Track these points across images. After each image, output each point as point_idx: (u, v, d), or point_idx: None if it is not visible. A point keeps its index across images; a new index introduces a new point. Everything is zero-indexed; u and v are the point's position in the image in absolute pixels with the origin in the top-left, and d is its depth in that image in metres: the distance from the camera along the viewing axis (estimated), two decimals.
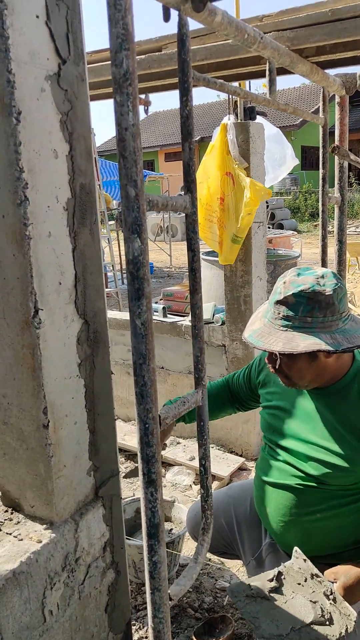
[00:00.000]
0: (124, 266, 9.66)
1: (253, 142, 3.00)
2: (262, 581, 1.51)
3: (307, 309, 1.37)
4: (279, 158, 4.82)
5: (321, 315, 1.37)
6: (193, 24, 1.05)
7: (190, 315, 3.75)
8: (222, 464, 3.14)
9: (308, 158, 26.33)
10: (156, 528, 0.90)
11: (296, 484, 1.54)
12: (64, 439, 1.39)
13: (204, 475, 1.17)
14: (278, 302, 1.41)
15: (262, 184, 3.05)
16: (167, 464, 3.23)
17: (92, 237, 1.44)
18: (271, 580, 1.50)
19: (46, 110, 1.25)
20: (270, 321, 1.44)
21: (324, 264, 1.92)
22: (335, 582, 1.41)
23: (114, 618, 1.64)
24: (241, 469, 3.18)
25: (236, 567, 2.23)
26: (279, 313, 1.41)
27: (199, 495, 2.81)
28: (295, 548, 1.47)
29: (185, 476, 3.13)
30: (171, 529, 2.24)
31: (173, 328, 3.54)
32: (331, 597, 1.39)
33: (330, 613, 1.38)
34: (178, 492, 2.95)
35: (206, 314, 3.45)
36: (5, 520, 1.43)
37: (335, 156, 2.30)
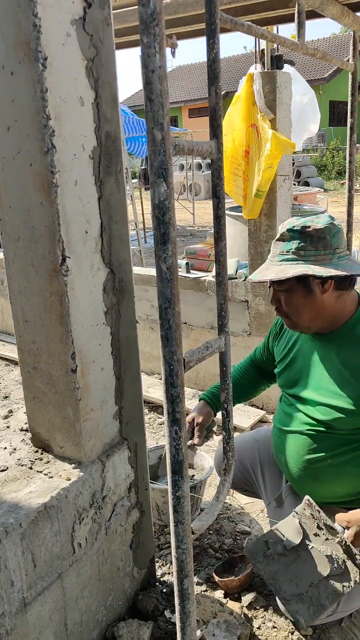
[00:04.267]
0: (147, 225, 9.62)
1: (280, 92, 2.91)
2: (280, 532, 1.55)
3: (300, 243, 1.47)
4: (305, 123, 4.63)
5: (313, 248, 1.46)
6: None
7: (213, 270, 3.75)
8: (244, 416, 3.20)
9: (336, 113, 25.35)
10: (180, 465, 0.94)
11: (307, 430, 1.59)
12: (91, 384, 1.45)
13: (225, 418, 1.21)
14: (276, 241, 1.52)
15: (286, 137, 2.98)
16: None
17: (118, 187, 1.45)
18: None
19: (72, 56, 1.25)
20: (270, 259, 1.55)
21: (349, 215, 1.90)
22: (348, 529, 1.46)
23: (138, 554, 1.72)
24: (262, 421, 3.24)
25: (255, 513, 2.31)
26: (276, 250, 1.52)
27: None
28: (307, 497, 1.52)
29: None
30: (193, 475, 2.31)
31: (196, 284, 3.55)
32: (344, 546, 1.45)
33: (344, 562, 1.45)
34: None
35: (229, 270, 3.44)
36: (36, 459, 1.51)
37: None
